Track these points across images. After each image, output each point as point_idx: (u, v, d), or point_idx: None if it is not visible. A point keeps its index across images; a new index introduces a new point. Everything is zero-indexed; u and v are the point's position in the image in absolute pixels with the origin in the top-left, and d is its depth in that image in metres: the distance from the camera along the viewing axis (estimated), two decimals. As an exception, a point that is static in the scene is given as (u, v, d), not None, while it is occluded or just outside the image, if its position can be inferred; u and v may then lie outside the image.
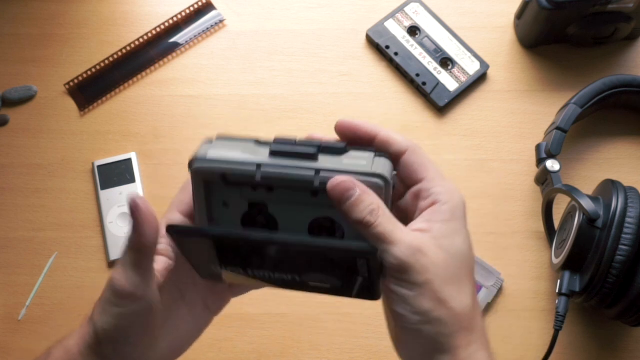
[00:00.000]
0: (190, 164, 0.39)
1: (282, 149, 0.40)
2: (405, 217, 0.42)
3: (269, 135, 0.74)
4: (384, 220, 0.38)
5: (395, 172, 0.41)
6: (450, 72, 0.73)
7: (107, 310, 0.42)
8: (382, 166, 0.39)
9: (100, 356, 0.42)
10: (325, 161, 0.39)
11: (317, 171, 0.38)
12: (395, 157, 0.42)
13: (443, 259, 0.39)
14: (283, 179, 0.39)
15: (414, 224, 0.41)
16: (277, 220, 0.41)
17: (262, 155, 0.41)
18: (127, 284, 0.40)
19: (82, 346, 0.42)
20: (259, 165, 0.39)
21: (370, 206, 0.38)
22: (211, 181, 0.40)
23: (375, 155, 0.39)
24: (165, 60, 0.75)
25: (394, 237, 0.38)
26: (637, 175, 0.70)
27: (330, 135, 0.44)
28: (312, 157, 0.39)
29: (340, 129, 0.43)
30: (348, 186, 0.38)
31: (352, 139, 0.43)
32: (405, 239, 0.38)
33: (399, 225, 0.39)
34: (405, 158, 0.42)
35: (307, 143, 0.40)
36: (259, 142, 0.42)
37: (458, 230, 0.41)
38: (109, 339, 0.42)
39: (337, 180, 0.38)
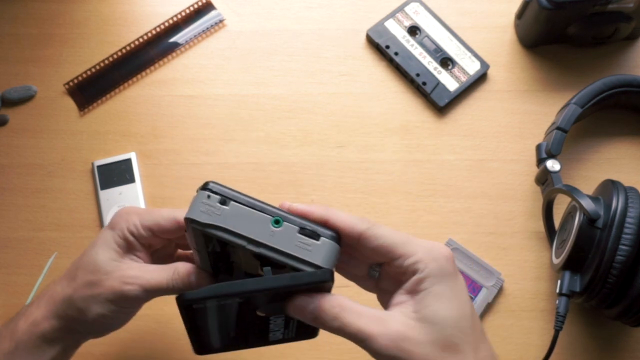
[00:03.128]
0: (187, 222, 0.42)
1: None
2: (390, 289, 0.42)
3: (269, 136, 0.74)
4: (352, 320, 0.38)
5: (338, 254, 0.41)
6: (451, 72, 0.73)
7: (104, 305, 0.46)
8: (329, 254, 0.39)
9: (71, 331, 0.47)
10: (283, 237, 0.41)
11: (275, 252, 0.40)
12: (351, 240, 0.41)
13: (429, 334, 0.37)
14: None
15: (395, 298, 0.40)
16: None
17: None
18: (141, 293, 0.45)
19: (54, 323, 0.47)
20: (249, 240, 0.41)
21: (332, 312, 0.38)
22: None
23: (324, 238, 0.40)
24: (165, 60, 0.75)
25: (368, 331, 0.37)
26: (637, 175, 0.70)
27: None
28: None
29: (293, 214, 0.42)
30: (301, 308, 0.39)
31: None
32: (380, 330, 0.37)
33: (369, 315, 0.38)
34: (365, 237, 0.40)
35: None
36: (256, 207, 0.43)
37: (443, 293, 0.39)
38: (88, 323, 0.46)
39: (294, 303, 0.39)
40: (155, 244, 0.49)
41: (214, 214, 0.41)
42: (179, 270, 0.46)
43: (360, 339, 0.38)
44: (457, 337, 0.38)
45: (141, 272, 0.46)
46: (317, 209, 0.41)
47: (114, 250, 0.47)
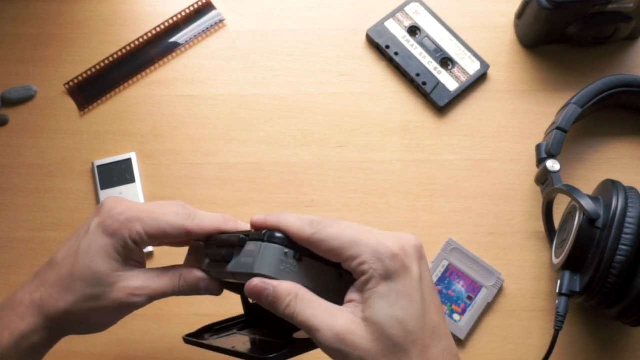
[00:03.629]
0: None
1: (209, 254, 0.47)
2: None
3: (269, 136, 0.74)
4: (302, 309, 0.39)
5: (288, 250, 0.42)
6: (451, 72, 0.73)
7: (109, 316, 0.46)
8: (267, 258, 0.41)
9: (62, 336, 0.47)
10: (233, 261, 0.43)
11: (232, 274, 0.44)
12: (303, 243, 0.41)
13: (371, 332, 0.38)
14: (227, 281, 0.47)
15: (348, 295, 0.40)
16: None
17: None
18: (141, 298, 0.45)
19: (38, 320, 0.45)
20: (206, 272, 0.47)
21: (287, 299, 0.39)
22: None
23: (263, 242, 0.41)
24: (165, 60, 0.75)
25: (314, 323, 0.38)
26: (637, 175, 0.70)
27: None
28: (226, 261, 0.44)
29: (252, 226, 0.44)
30: (259, 289, 0.40)
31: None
32: (326, 324, 0.38)
33: (321, 307, 0.39)
34: (313, 242, 0.40)
35: (221, 243, 0.45)
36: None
37: (388, 294, 0.38)
38: (86, 330, 0.46)
39: (250, 285, 0.40)
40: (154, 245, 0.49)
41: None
42: (185, 277, 0.46)
43: (308, 329, 0.39)
44: (401, 337, 0.38)
45: (146, 281, 0.45)
46: (271, 218, 0.42)
47: (115, 260, 0.45)
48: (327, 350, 0.38)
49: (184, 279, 0.46)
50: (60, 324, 0.45)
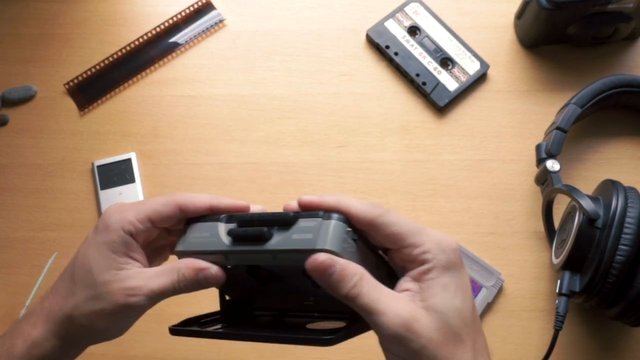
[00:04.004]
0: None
1: (240, 233, 0.42)
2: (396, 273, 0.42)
3: (269, 136, 0.74)
4: (368, 291, 0.38)
5: (350, 230, 0.41)
6: (450, 72, 0.73)
7: (109, 319, 0.44)
8: (331, 234, 0.39)
9: (73, 346, 0.46)
10: (277, 239, 0.40)
11: (273, 253, 0.40)
12: (363, 226, 0.41)
13: (435, 322, 0.38)
14: (248, 264, 0.43)
15: (402, 284, 0.40)
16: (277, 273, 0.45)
17: (226, 240, 0.43)
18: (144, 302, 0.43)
19: (48, 331, 0.44)
20: (225, 254, 0.42)
21: (353, 279, 0.38)
22: None
23: (324, 219, 0.39)
24: (165, 60, 0.75)
25: (380, 307, 0.38)
26: (637, 175, 0.70)
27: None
28: (265, 239, 0.41)
29: (303, 206, 0.42)
30: (327, 265, 0.38)
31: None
32: (392, 308, 0.38)
33: (385, 292, 0.39)
34: (377, 224, 0.40)
35: (260, 221, 0.42)
36: (221, 220, 0.44)
37: (449, 284, 0.39)
38: (92, 337, 0.45)
39: (315, 261, 0.38)
40: (152, 237, 0.47)
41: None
42: (183, 272, 0.44)
43: (371, 312, 0.38)
44: (459, 327, 0.39)
45: (143, 280, 0.43)
46: (329, 198, 0.41)
47: (110, 258, 0.43)
48: (388, 335, 0.38)
49: (181, 274, 0.44)
50: (67, 330, 0.44)
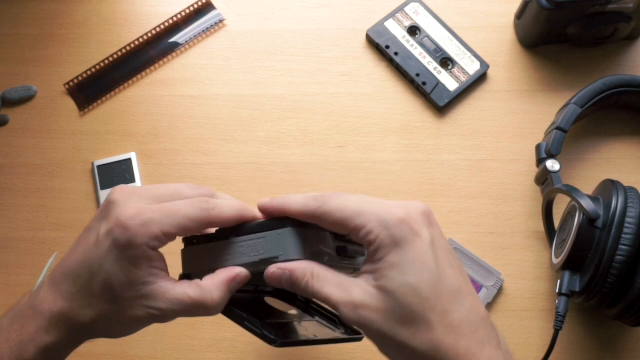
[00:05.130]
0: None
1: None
2: None
3: (269, 136, 0.74)
4: (320, 286, 0.39)
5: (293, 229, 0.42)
6: (450, 72, 0.73)
7: (129, 330, 0.43)
8: (282, 242, 0.41)
9: (78, 341, 0.44)
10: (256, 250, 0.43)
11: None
12: (308, 219, 0.41)
13: (385, 302, 0.37)
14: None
15: (363, 267, 0.40)
16: None
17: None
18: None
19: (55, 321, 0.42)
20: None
21: (304, 279, 0.39)
22: None
23: (270, 230, 0.42)
24: (165, 60, 0.75)
25: (333, 298, 0.39)
26: (637, 175, 0.70)
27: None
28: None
29: (260, 211, 0.44)
30: (278, 275, 0.40)
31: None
32: (342, 298, 0.38)
33: (335, 282, 0.39)
34: (319, 216, 0.40)
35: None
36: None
37: (398, 261, 0.37)
38: (95, 332, 0.43)
39: (267, 273, 0.40)
40: None
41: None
42: (203, 286, 0.41)
43: (331, 306, 0.39)
44: (415, 304, 0.37)
45: (167, 303, 0.40)
46: (274, 204, 0.42)
47: (133, 274, 0.40)
48: (352, 323, 0.38)
49: (202, 288, 0.41)
50: (82, 335, 0.43)
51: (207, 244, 0.44)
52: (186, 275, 0.45)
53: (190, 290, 0.41)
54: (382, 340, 0.38)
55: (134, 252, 0.40)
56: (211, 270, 0.43)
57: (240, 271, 0.42)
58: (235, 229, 0.43)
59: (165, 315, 0.41)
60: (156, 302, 0.40)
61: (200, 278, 0.42)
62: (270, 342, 0.40)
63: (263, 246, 0.42)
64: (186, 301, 0.41)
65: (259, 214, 0.44)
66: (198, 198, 0.42)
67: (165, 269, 0.42)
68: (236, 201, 0.44)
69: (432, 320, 0.37)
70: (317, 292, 0.39)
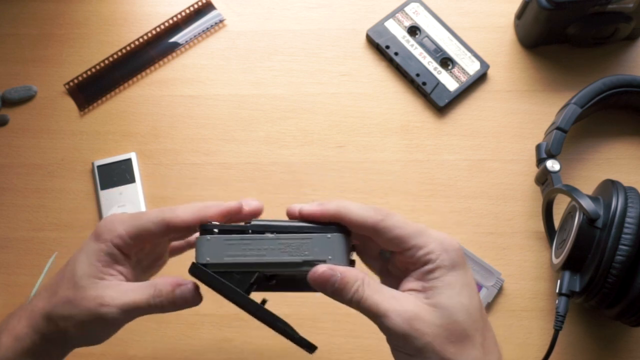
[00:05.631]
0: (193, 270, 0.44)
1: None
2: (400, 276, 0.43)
3: (269, 136, 0.74)
4: (370, 294, 0.39)
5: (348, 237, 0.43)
6: (450, 72, 0.73)
7: (81, 326, 0.44)
8: (332, 245, 0.41)
9: (55, 345, 0.45)
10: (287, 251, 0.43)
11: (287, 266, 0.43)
12: (365, 231, 0.42)
13: (440, 318, 0.39)
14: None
15: (405, 284, 0.41)
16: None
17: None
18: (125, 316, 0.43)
19: (35, 336, 0.44)
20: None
21: (355, 285, 0.40)
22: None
23: (321, 233, 0.42)
24: (165, 60, 0.75)
25: (382, 308, 0.39)
26: (637, 175, 0.70)
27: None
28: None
29: (304, 218, 0.43)
30: (327, 276, 0.40)
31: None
32: (395, 308, 0.39)
33: (386, 293, 0.40)
34: (379, 229, 0.41)
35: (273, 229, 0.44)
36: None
37: (454, 283, 0.40)
38: (69, 340, 0.45)
39: (316, 273, 0.40)
40: (145, 249, 0.48)
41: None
42: (159, 287, 0.43)
43: (375, 315, 0.39)
44: (467, 324, 0.39)
45: (119, 292, 0.43)
46: (329, 207, 0.42)
47: (94, 266, 0.43)
48: (394, 335, 0.39)
49: (157, 289, 0.43)
50: (47, 329, 0.44)
51: (236, 234, 0.43)
52: (203, 265, 0.43)
53: (144, 292, 0.43)
54: (423, 354, 0.39)
55: (100, 245, 0.44)
56: (245, 264, 0.43)
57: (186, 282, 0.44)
58: (271, 227, 0.43)
59: (117, 313, 0.43)
60: (107, 297, 0.42)
61: (227, 272, 0.43)
62: (308, 347, 0.42)
63: (308, 247, 0.42)
64: (139, 302, 0.43)
65: (226, 206, 0.44)
66: (167, 208, 0.44)
67: (128, 276, 0.45)
68: (196, 203, 0.45)
69: (476, 341, 0.40)
70: (366, 299, 0.39)
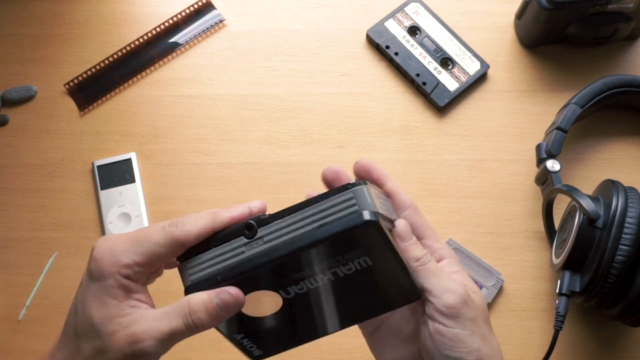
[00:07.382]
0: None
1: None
2: None
3: (269, 136, 0.74)
4: (434, 265, 0.42)
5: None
6: (451, 72, 0.73)
7: None
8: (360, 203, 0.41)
9: None
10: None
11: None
12: (396, 209, 0.46)
13: (480, 300, 0.42)
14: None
15: (448, 267, 0.43)
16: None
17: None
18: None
19: None
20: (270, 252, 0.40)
21: (424, 250, 0.42)
22: None
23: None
24: (165, 60, 0.75)
25: (447, 271, 0.42)
26: (637, 175, 0.70)
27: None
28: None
29: (357, 168, 0.49)
30: (407, 229, 0.44)
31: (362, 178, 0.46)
32: (456, 279, 0.42)
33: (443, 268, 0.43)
34: (406, 214, 0.46)
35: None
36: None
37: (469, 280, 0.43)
38: None
39: (401, 225, 0.44)
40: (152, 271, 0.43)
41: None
42: (192, 307, 0.39)
43: (437, 275, 0.41)
44: (487, 314, 0.43)
45: (150, 322, 0.39)
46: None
47: (111, 306, 0.39)
48: (451, 304, 0.40)
49: (192, 309, 0.39)
50: None
51: (281, 218, 0.41)
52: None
53: (177, 315, 0.39)
54: (473, 330, 0.40)
55: (107, 281, 0.39)
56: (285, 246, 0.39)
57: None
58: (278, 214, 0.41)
59: (155, 345, 0.39)
60: (139, 333, 0.39)
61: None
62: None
63: (347, 206, 0.40)
64: (169, 331, 0.39)
65: (236, 213, 0.41)
66: (167, 221, 0.40)
67: (149, 302, 0.41)
68: (203, 214, 0.41)
69: (490, 327, 0.44)
70: (430, 266, 0.41)
